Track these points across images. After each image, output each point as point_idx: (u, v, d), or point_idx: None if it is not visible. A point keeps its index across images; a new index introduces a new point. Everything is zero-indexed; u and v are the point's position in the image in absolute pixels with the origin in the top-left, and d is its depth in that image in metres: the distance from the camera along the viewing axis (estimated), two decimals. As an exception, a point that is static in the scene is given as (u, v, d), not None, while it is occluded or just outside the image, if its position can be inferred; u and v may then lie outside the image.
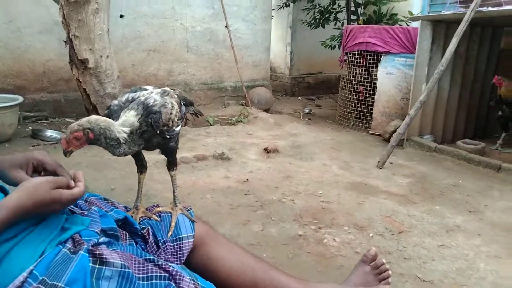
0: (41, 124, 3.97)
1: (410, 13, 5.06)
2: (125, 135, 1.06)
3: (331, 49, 5.87)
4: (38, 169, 1.02)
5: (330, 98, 6.64)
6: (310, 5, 5.98)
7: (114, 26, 4.11)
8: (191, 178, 2.73)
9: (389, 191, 2.70)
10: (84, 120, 1.00)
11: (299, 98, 6.56)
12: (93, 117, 1.02)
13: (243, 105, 5.07)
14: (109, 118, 1.15)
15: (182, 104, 1.31)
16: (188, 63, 5.13)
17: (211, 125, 4.28)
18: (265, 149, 3.41)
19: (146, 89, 1.23)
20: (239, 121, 4.46)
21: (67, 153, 1.02)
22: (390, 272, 1.40)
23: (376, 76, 4.29)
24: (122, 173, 2.67)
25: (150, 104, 1.13)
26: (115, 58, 3.59)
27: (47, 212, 0.92)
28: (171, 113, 1.16)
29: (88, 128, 0.99)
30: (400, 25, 5.14)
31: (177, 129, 1.22)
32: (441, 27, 3.75)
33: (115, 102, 1.19)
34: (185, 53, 5.07)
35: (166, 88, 1.26)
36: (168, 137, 1.18)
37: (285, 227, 2.10)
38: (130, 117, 1.10)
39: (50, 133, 3.51)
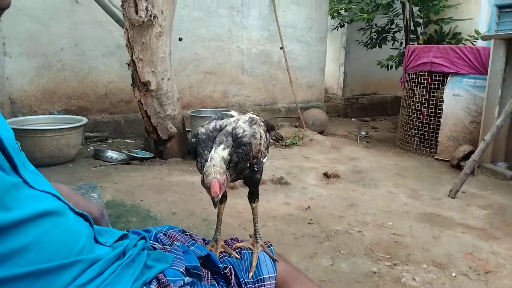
0: (101, 144, 4.07)
1: (477, 32, 4.80)
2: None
3: (388, 70, 5.70)
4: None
5: (385, 120, 6.39)
6: (367, 25, 5.85)
7: (173, 49, 4.18)
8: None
9: (466, 223, 2.47)
10: (215, 166, 0.95)
11: (353, 119, 6.37)
12: (216, 162, 0.97)
13: (297, 126, 4.97)
14: (197, 146, 1.10)
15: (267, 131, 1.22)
16: (242, 84, 5.13)
17: (266, 147, 4.19)
18: (325, 174, 3.27)
19: (231, 116, 1.16)
20: (293, 143, 4.36)
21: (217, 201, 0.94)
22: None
23: (441, 98, 4.05)
24: (182, 196, 2.63)
25: (239, 135, 1.06)
26: (174, 80, 3.63)
27: None
28: (260, 144, 1.09)
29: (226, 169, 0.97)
30: (464, 44, 4.87)
31: (265, 160, 1.14)
32: (517, 47, 3.49)
33: (202, 130, 1.12)
34: (240, 75, 5.08)
35: (253, 116, 1.17)
36: (256, 169, 1.11)
37: (356, 262, 1.95)
38: (221, 152, 1.02)
39: (110, 153, 3.57)
